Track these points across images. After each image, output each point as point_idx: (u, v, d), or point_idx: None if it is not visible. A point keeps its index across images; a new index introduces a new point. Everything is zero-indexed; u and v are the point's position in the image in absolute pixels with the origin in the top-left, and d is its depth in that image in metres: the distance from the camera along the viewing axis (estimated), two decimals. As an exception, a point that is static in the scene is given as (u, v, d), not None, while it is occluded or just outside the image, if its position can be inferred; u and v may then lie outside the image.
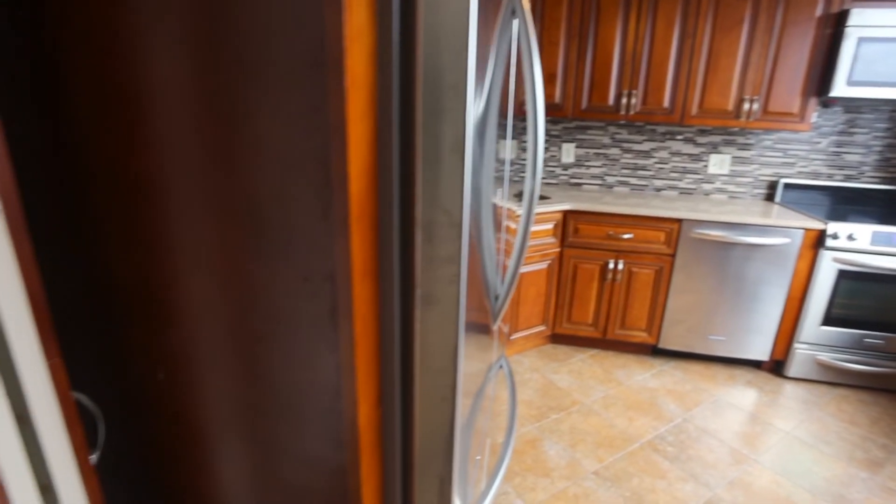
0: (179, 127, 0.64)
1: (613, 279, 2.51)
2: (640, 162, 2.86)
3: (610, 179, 2.94)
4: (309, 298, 0.64)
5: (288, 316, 0.66)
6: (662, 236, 2.41)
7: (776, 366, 2.52)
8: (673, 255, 2.42)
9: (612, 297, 2.53)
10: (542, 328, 2.64)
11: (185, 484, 0.84)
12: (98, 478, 0.71)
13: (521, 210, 0.93)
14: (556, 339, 2.76)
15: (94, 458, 0.70)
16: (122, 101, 0.65)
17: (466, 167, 0.65)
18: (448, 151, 0.65)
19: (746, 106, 2.34)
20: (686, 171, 2.80)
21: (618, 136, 2.85)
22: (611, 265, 2.49)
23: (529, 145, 0.84)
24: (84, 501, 0.69)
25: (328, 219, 0.61)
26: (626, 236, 2.45)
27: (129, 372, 0.77)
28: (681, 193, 2.85)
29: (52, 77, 0.66)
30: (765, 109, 2.33)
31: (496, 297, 1.00)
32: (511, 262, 0.94)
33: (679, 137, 2.77)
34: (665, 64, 2.40)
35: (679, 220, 2.37)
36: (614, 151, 2.88)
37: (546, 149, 2.94)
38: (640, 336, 2.57)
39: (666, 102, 2.46)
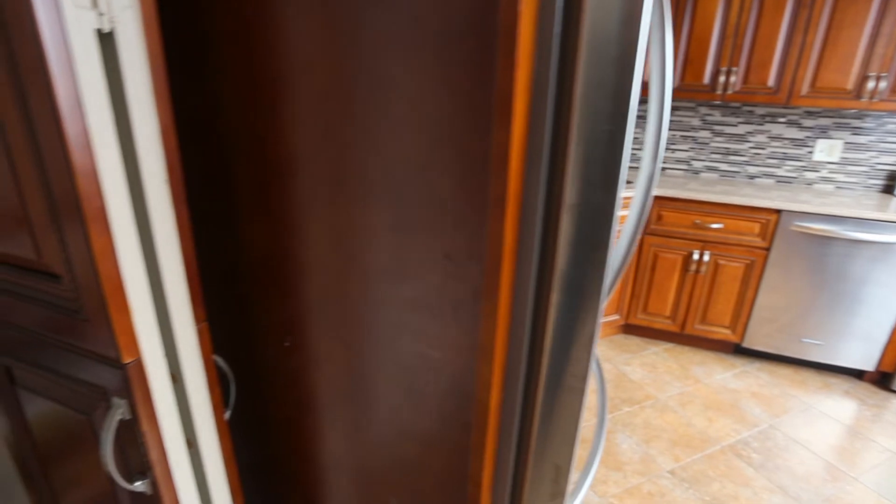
0: (322, 102, 0.63)
1: (697, 271, 2.36)
2: (733, 146, 2.65)
3: (697, 164, 2.75)
4: (450, 276, 0.62)
5: (422, 292, 0.65)
6: (756, 227, 2.24)
7: (882, 378, 2.30)
8: (767, 249, 2.24)
9: (695, 289, 2.40)
10: (615, 317, 2.55)
11: (296, 447, 0.87)
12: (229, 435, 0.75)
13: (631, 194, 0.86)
14: (629, 329, 2.66)
15: (226, 416, 0.73)
16: (266, 81, 0.65)
17: (626, 146, 0.61)
18: (606, 130, 0.60)
19: (871, 84, 2.09)
20: (786, 158, 2.57)
21: (709, 118, 2.65)
22: (695, 256, 2.34)
23: (652, 126, 0.78)
24: (219, 456, 0.73)
25: (482, 197, 0.58)
26: (714, 226, 2.29)
27: (258, 338, 0.79)
28: (778, 182, 2.62)
29: (201, 59, 0.67)
30: (894, 89, 2.07)
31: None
32: (620, 251, 0.89)
33: (781, 120, 2.53)
34: (773, 37, 2.19)
35: (778, 211, 2.18)
36: (704, 134, 2.69)
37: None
38: (723, 333, 2.42)
39: (771, 81, 2.25)
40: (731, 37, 2.26)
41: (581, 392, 0.74)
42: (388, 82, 0.59)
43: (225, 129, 0.70)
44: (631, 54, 0.58)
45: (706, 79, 2.35)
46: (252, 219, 0.73)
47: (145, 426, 0.61)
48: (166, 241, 0.59)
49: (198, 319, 0.65)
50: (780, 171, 2.61)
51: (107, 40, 0.51)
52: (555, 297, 0.70)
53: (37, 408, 0.74)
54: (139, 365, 0.59)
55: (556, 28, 0.58)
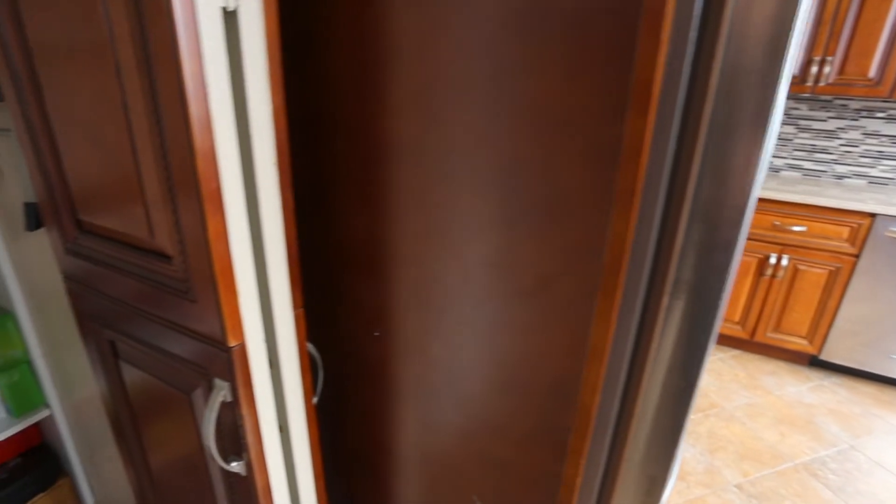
0: (430, 90, 0.60)
1: (773, 275, 2.21)
2: (821, 143, 2.44)
3: (778, 162, 2.56)
4: (564, 272, 0.58)
5: (531, 288, 0.61)
6: (845, 232, 2.06)
7: (982, 401, 2.08)
8: (856, 256, 2.06)
9: (769, 295, 2.24)
10: (677, 320, 2.43)
11: (376, 435, 0.86)
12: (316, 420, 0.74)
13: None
14: (691, 333, 2.52)
15: (314, 401, 0.73)
16: (372, 66, 0.63)
17: (767, 143, 0.54)
18: (746, 123, 0.54)
19: None
20: (882, 157, 2.34)
21: (795, 112, 2.45)
22: (772, 260, 2.19)
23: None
24: (307, 442, 0.72)
25: (606, 189, 0.53)
26: (796, 228, 2.13)
27: (346, 325, 0.78)
28: (870, 183, 2.40)
29: (307, 40, 0.66)
30: None
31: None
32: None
33: (880, 115, 2.31)
34: (880, 23, 1.98)
35: (872, 215, 1.99)
36: (787, 130, 2.49)
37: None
38: (798, 343, 2.26)
39: (872, 72, 2.04)
40: (827, 23, 2.07)
41: (687, 403, 0.69)
42: (506, 67, 0.55)
43: (326, 113, 0.68)
44: (784, 36, 0.51)
45: (795, 69, 2.16)
46: (348, 206, 0.72)
47: (245, 409, 0.61)
48: (272, 224, 0.58)
49: (296, 305, 0.64)
50: (874, 172, 2.38)
51: (230, 19, 0.49)
52: (666, 301, 0.65)
53: (136, 379, 0.76)
54: (243, 349, 0.58)
55: (698, 3, 0.53)
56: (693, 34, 0.54)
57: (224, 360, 0.58)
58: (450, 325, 0.69)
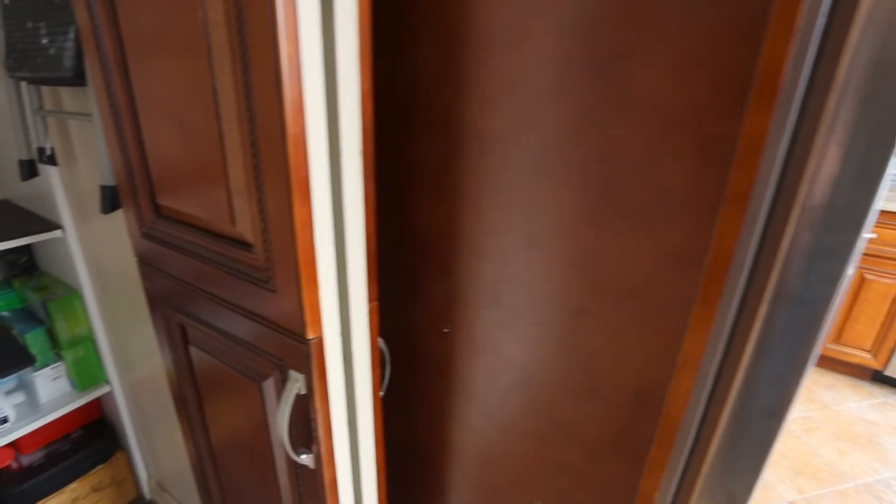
0: (528, 79, 0.56)
1: (838, 284, 2.07)
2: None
3: (845, 162, 2.40)
4: (660, 277, 0.54)
5: (624, 291, 0.57)
6: (923, 240, 1.91)
7: None
8: (935, 266, 1.91)
9: (832, 304, 2.11)
10: (728, 326, 2.32)
11: (437, 433, 0.84)
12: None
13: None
14: (742, 340, 2.41)
15: (380, 396, 0.72)
16: (464, 53, 0.60)
17: (906, 140, 0.49)
18: (873, 121, 0.48)
19: None
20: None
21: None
22: (837, 267, 2.05)
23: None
24: (372, 437, 0.71)
25: (714, 190, 0.49)
26: (865, 235, 1.99)
27: (414, 320, 0.77)
28: (951, 188, 2.21)
29: (395, 22, 0.63)
30: None
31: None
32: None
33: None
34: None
35: (955, 223, 1.84)
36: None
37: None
38: (861, 357, 2.13)
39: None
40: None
41: (779, 420, 0.64)
42: (609, 56, 0.51)
43: (407, 104, 0.66)
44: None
45: None
46: (424, 199, 0.69)
47: (318, 403, 0.60)
48: (354, 215, 0.57)
49: (371, 298, 0.63)
50: (956, 175, 2.20)
51: (325, 2, 0.47)
52: (763, 310, 0.60)
53: (204, 363, 0.76)
54: (320, 342, 0.57)
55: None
56: (821, 20, 0.49)
57: (302, 353, 0.57)
58: (525, 324, 0.66)
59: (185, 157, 0.60)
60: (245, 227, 0.57)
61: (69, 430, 1.62)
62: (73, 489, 1.57)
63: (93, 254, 1.39)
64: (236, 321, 0.65)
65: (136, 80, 0.62)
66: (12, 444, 1.49)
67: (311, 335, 0.56)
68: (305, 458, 0.64)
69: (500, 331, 0.69)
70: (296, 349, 0.57)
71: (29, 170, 1.15)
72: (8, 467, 1.49)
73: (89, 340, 1.51)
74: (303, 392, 0.59)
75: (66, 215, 1.35)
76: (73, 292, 1.46)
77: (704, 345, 0.55)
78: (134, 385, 1.56)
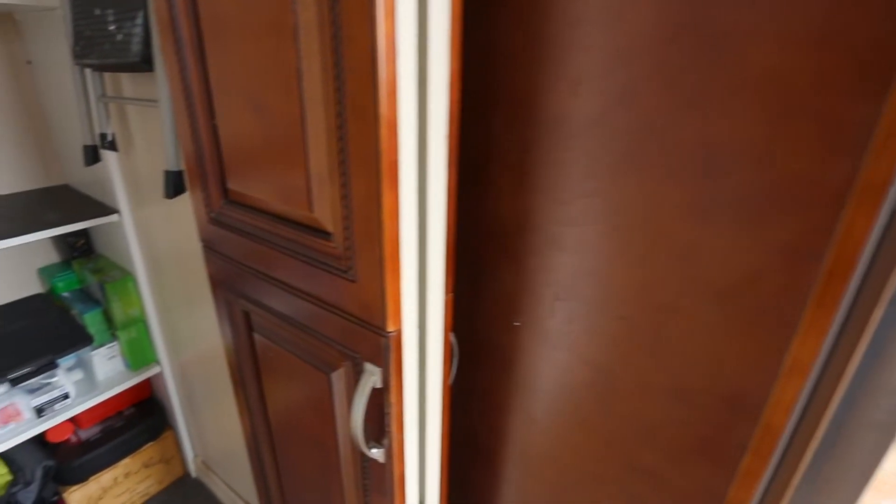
0: (622, 59, 0.52)
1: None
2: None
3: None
4: (769, 275, 0.50)
5: (724, 288, 0.53)
6: None
7: None
8: None
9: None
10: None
11: (498, 427, 0.82)
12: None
13: None
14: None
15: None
16: (547, 34, 0.56)
17: None
18: None
19: None
20: None
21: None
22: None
23: None
24: (439, 431, 0.69)
25: (843, 183, 0.44)
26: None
27: (483, 312, 0.74)
28: None
29: (476, 7, 0.60)
30: None
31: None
32: None
33: None
34: None
35: None
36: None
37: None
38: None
39: None
40: None
41: (890, 434, 0.59)
42: (726, 30, 0.47)
43: (486, 87, 0.63)
44: None
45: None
46: (501, 187, 0.66)
47: (394, 397, 0.58)
48: (436, 202, 0.54)
49: (447, 290, 0.60)
50: None
51: (420, -27, 0.44)
52: (879, 313, 0.55)
53: (268, 350, 0.76)
54: (399, 335, 0.55)
55: None
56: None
57: (380, 346, 0.55)
58: (606, 319, 0.63)
59: (260, 142, 0.59)
60: (324, 213, 0.55)
61: (122, 407, 1.68)
62: (126, 464, 1.63)
63: (146, 238, 1.42)
64: (307, 310, 0.64)
65: (211, 63, 0.61)
66: (72, 420, 1.55)
67: (391, 328, 0.54)
68: (376, 453, 0.62)
69: (577, 325, 0.66)
70: (373, 342, 0.56)
71: (92, 155, 1.17)
72: (68, 441, 1.56)
73: (142, 322, 1.55)
74: (378, 386, 0.58)
75: (122, 200, 1.38)
76: (128, 275, 1.49)
77: (817, 351, 0.51)
78: (182, 366, 1.60)
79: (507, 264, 0.70)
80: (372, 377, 0.57)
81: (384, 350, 0.55)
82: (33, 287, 1.63)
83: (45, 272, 1.60)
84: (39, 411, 1.35)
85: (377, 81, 0.44)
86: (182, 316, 1.47)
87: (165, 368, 1.62)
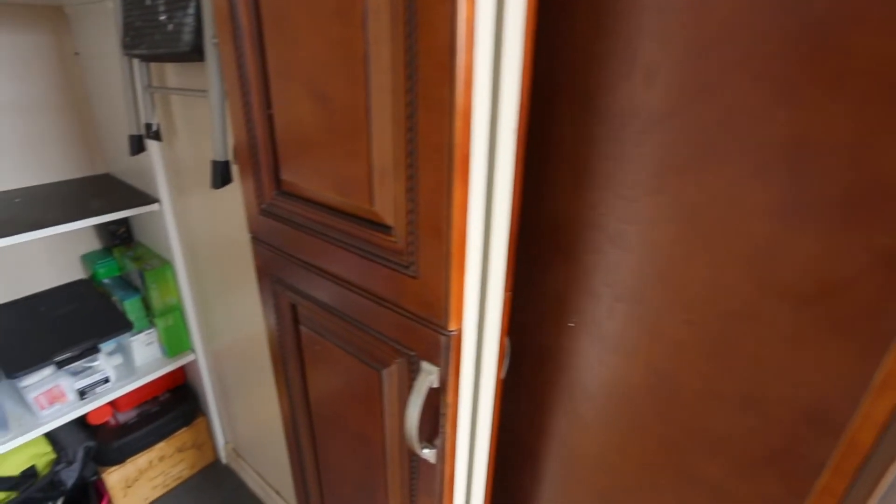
0: (706, 47, 0.49)
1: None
2: None
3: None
4: (860, 280, 0.46)
5: (808, 293, 0.50)
6: None
7: None
8: None
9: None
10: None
11: (553, 433, 0.80)
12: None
13: None
14: None
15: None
16: (616, 21, 0.53)
17: None
18: None
19: None
20: None
21: None
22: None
23: None
24: (489, 432, 0.68)
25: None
26: None
27: (536, 311, 0.72)
28: None
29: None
30: None
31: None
32: None
33: None
34: None
35: None
36: None
37: None
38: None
39: None
40: None
41: None
42: (824, 16, 0.43)
43: (548, 78, 0.60)
44: None
45: None
46: (561, 179, 0.64)
47: (451, 398, 0.56)
48: (502, 197, 0.52)
49: (506, 288, 0.58)
50: None
51: (500, -46, 0.42)
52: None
53: (314, 343, 0.75)
54: (460, 334, 0.53)
55: None
56: None
57: (440, 345, 0.53)
58: (672, 323, 0.60)
59: (319, 132, 0.57)
60: (385, 207, 0.53)
61: (157, 392, 1.71)
62: (161, 448, 1.66)
63: (185, 227, 1.44)
64: (359, 305, 0.62)
65: (270, 51, 0.60)
66: (111, 403, 1.59)
67: (452, 327, 0.52)
68: (428, 453, 0.61)
69: (638, 328, 0.63)
70: (433, 340, 0.54)
71: (137, 145, 1.18)
72: (107, 423, 1.59)
73: (178, 310, 1.57)
74: (435, 385, 0.56)
75: (163, 189, 1.39)
76: (167, 263, 1.52)
77: (914, 364, 0.47)
78: (216, 354, 1.62)
79: (562, 262, 0.68)
80: (429, 377, 0.56)
81: (444, 349, 0.53)
82: (76, 273, 1.67)
83: (88, 259, 1.64)
84: (82, 394, 1.39)
85: (454, 70, 0.42)
86: (217, 305, 1.49)
87: (199, 356, 1.65)
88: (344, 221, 0.59)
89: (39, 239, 1.18)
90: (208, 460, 1.85)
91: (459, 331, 0.53)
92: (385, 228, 0.55)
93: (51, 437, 1.50)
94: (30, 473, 1.42)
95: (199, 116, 1.13)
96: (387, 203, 0.53)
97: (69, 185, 1.54)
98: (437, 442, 0.61)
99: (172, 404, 1.70)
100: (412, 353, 0.58)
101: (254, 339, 1.36)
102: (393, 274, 0.55)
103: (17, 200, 1.38)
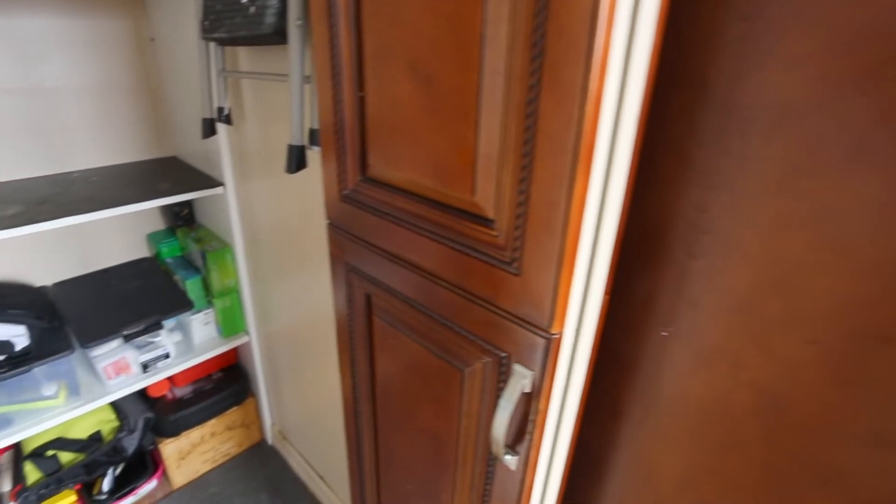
0: (862, 35, 0.43)
1: None
2: None
3: None
4: None
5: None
6: None
7: None
8: None
9: None
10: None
11: (633, 452, 0.75)
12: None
13: None
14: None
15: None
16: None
17: None
18: None
19: None
20: None
21: None
22: None
23: None
24: (569, 441, 0.64)
25: None
26: None
27: (623, 318, 0.67)
28: None
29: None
30: None
31: None
32: None
33: None
34: None
35: None
36: None
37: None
38: None
39: None
40: None
41: None
42: None
43: (671, 62, 0.55)
44: None
45: None
46: (669, 177, 0.59)
47: (542, 404, 0.53)
48: (616, 192, 0.48)
49: (606, 290, 0.54)
50: None
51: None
52: None
53: (389, 336, 0.73)
54: (561, 338, 0.50)
55: None
56: None
57: (538, 348, 0.50)
58: (790, 341, 0.54)
59: (417, 116, 0.55)
60: (486, 198, 0.50)
61: (211, 371, 1.76)
62: (212, 425, 1.71)
63: (247, 211, 1.46)
64: (447, 301, 0.60)
65: (367, 30, 0.58)
66: (170, 378, 1.64)
67: (555, 329, 0.49)
68: (510, 460, 0.58)
69: (745, 343, 0.58)
70: (530, 342, 0.51)
71: (210, 128, 1.20)
72: (165, 397, 1.65)
73: (235, 292, 1.60)
74: (527, 390, 0.53)
75: (227, 173, 1.42)
76: (227, 246, 1.55)
77: None
78: (268, 337, 1.65)
79: (657, 266, 0.63)
80: (522, 380, 0.52)
81: (542, 352, 0.50)
82: (142, 251, 1.73)
83: (153, 238, 1.69)
84: (145, 367, 1.44)
85: (592, 51, 0.38)
86: (272, 289, 1.51)
87: (253, 338, 1.68)
88: (436, 211, 0.57)
89: (113, 217, 1.22)
90: (255, 440, 1.89)
91: (561, 334, 0.50)
92: (485, 221, 0.51)
93: (115, 405, 1.57)
94: (96, 438, 1.49)
95: (269, 101, 1.13)
96: (489, 194, 0.50)
97: (139, 166, 1.59)
98: (520, 448, 0.58)
99: (225, 383, 1.74)
100: (503, 355, 0.55)
101: (307, 324, 1.37)
102: (490, 270, 0.52)
103: (94, 179, 1.44)
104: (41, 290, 1.50)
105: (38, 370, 1.24)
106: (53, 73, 1.41)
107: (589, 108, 0.39)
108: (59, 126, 1.45)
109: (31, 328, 1.26)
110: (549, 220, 0.45)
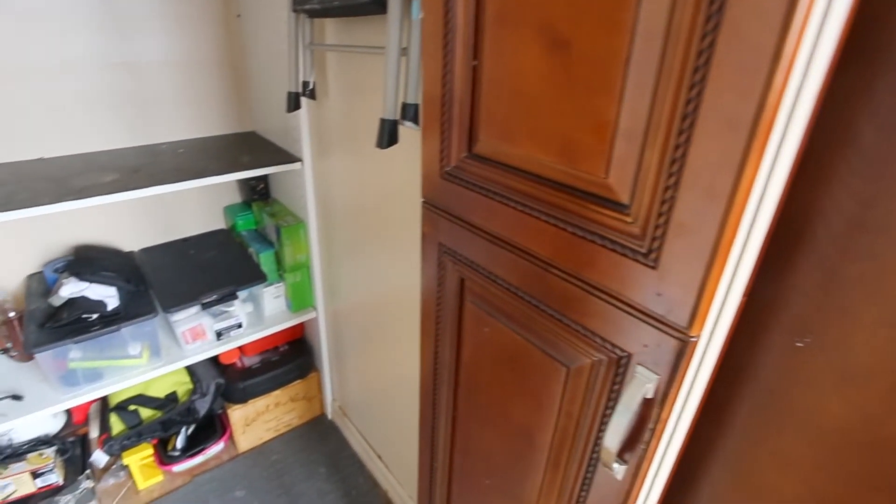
0: None
1: None
2: None
3: None
4: None
5: None
6: None
7: None
8: None
9: None
10: None
11: (741, 469, 0.69)
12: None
13: None
14: None
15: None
16: None
17: None
18: None
19: None
20: None
21: None
22: None
23: None
24: (678, 450, 0.58)
25: None
26: None
27: (755, 320, 0.60)
28: None
29: None
30: None
31: None
32: None
33: None
34: None
35: None
36: None
37: None
38: None
39: None
40: None
41: None
42: None
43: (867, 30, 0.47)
44: None
45: None
46: (837, 167, 0.51)
47: (665, 413, 0.48)
48: (776, 182, 0.41)
49: (745, 292, 0.48)
50: None
51: None
52: None
53: (484, 324, 0.70)
54: (697, 342, 0.44)
55: None
56: None
57: (671, 351, 0.45)
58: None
59: (545, 86, 0.50)
60: (622, 179, 0.45)
61: (278, 343, 1.81)
62: (277, 395, 1.76)
63: (322, 188, 1.47)
64: (559, 290, 0.55)
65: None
66: (240, 347, 1.70)
67: (694, 332, 0.43)
68: (618, 469, 0.53)
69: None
70: (661, 344, 0.46)
71: (294, 102, 1.20)
72: (234, 365, 1.72)
73: (306, 267, 1.63)
74: (649, 396, 0.48)
75: (306, 149, 1.42)
76: (300, 221, 1.57)
77: None
78: (335, 314, 1.67)
79: (802, 266, 0.55)
80: (645, 385, 0.47)
81: (675, 356, 0.45)
82: (219, 223, 1.79)
83: (230, 210, 1.75)
84: (219, 335, 1.49)
85: (794, 6, 0.31)
86: (342, 267, 1.52)
87: (320, 314, 1.71)
88: (555, 192, 0.52)
89: (196, 188, 1.25)
90: (315, 413, 1.94)
91: (699, 337, 0.44)
92: (617, 206, 0.46)
93: (190, 369, 1.65)
94: (172, 398, 1.57)
95: (353, 75, 1.12)
96: (625, 175, 0.45)
97: (221, 140, 1.64)
98: (629, 457, 0.53)
99: (290, 356, 1.79)
100: (622, 354, 0.50)
101: (377, 304, 1.37)
102: (618, 260, 0.47)
103: (180, 151, 1.50)
104: (129, 255, 1.59)
105: (126, 330, 1.31)
106: (148, 48, 1.46)
107: (778, 77, 0.33)
108: (150, 99, 1.52)
109: (120, 290, 1.34)
110: (704, 208, 0.39)
